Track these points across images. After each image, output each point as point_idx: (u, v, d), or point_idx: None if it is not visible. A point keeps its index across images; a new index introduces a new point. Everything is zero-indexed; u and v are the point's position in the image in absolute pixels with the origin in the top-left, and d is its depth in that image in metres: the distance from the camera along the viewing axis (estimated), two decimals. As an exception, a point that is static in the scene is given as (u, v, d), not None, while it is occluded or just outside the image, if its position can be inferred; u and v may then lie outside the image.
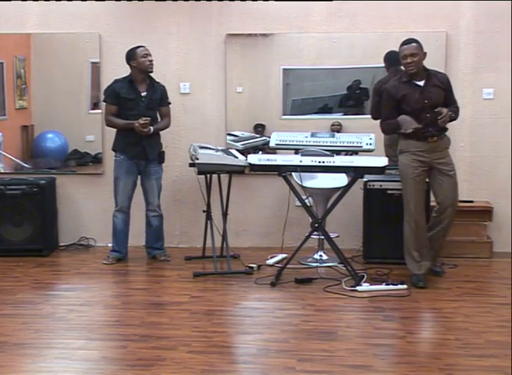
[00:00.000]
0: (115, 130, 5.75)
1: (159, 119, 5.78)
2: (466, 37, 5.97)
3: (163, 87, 5.78)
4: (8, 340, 4.03)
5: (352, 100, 6.23)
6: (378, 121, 5.25)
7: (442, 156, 5.06)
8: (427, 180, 5.15)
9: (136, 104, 5.62)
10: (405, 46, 4.95)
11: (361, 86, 6.17)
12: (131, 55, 5.61)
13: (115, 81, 5.71)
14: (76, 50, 6.31)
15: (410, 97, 4.96)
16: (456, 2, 5.95)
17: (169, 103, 5.83)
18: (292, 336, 4.10)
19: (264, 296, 4.91)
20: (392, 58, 5.78)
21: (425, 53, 4.98)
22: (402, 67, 5.11)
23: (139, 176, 5.79)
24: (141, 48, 5.60)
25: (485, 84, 5.99)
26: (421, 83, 4.98)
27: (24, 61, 6.41)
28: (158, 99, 5.72)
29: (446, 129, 5.10)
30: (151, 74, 5.69)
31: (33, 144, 6.46)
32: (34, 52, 6.38)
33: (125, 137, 5.67)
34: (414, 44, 4.93)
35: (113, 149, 5.81)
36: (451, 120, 5.05)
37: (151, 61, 5.60)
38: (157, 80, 5.75)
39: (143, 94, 5.65)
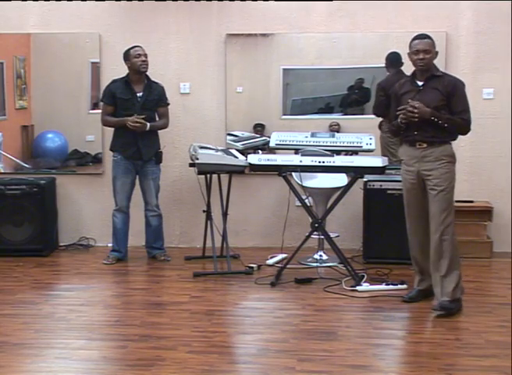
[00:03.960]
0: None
1: (157, 120, 5.76)
2: (466, 37, 5.97)
3: (161, 87, 5.76)
4: (8, 340, 4.03)
5: (352, 100, 6.22)
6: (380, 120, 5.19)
7: (433, 168, 4.45)
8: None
9: (131, 104, 5.61)
10: (418, 40, 4.49)
11: (364, 85, 6.14)
12: (125, 56, 5.61)
13: (113, 81, 5.70)
14: (76, 50, 6.31)
15: (407, 96, 4.51)
16: (456, 2, 5.95)
17: (168, 103, 5.80)
18: (292, 336, 4.10)
19: (264, 296, 4.91)
20: (392, 60, 5.77)
21: (437, 52, 4.58)
22: (408, 67, 4.69)
23: (137, 176, 5.79)
24: (135, 49, 5.58)
25: (485, 84, 5.99)
26: (421, 83, 4.52)
27: (24, 61, 6.40)
28: (156, 100, 5.70)
29: (447, 137, 4.50)
30: (150, 74, 5.69)
31: (33, 144, 6.46)
32: (34, 52, 6.37)
33: (121, 136, 5.66)
34: (428, 40, 4.49)
35: (111, 149, 5.81)
36: (448, 129, 4.43)
37: (143, 61, 5.56)
38: (155, 80, 5.75)
39: (138, 94, 5.63)
